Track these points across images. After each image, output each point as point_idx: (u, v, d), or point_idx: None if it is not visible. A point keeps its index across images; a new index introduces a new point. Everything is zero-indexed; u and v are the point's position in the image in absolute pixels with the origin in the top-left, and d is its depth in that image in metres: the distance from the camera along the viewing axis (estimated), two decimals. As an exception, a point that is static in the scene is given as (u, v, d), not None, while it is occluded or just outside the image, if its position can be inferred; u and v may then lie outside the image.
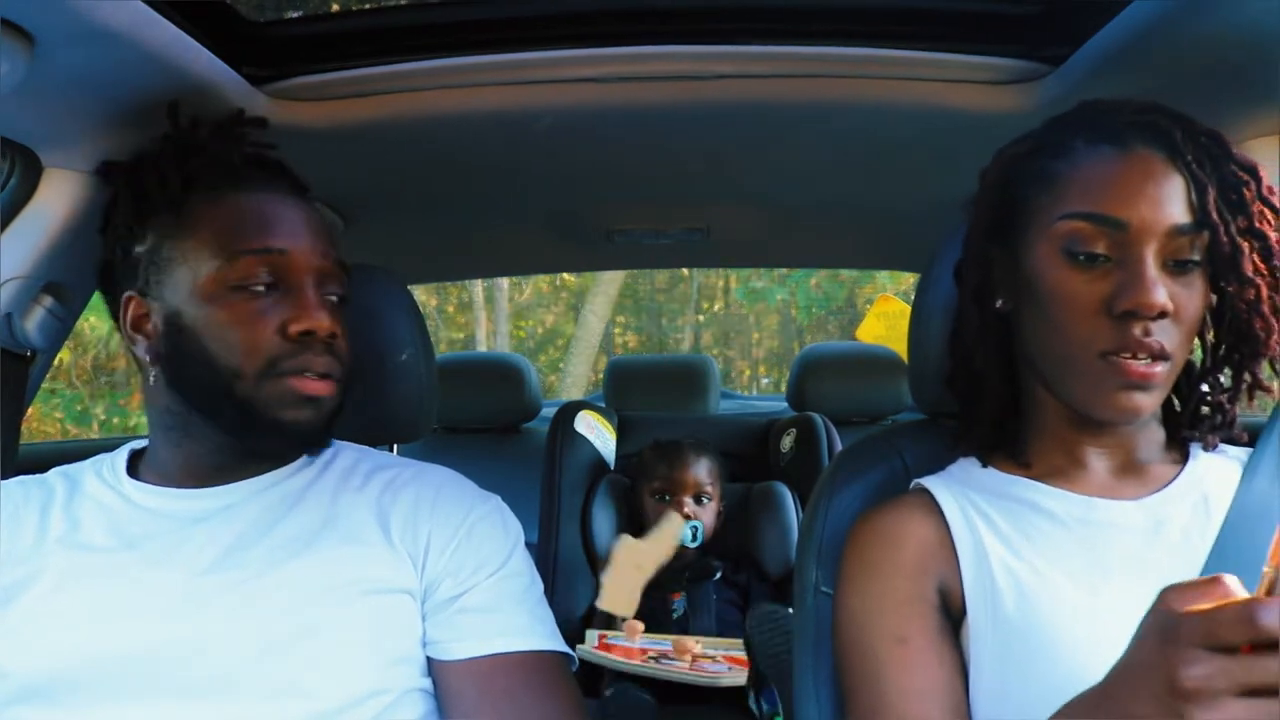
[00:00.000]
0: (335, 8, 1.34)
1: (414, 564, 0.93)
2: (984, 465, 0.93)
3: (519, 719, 0.91)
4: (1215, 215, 0.80)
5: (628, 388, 2.79)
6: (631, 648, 1.76)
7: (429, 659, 0.94)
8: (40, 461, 1.08)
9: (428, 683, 0.94)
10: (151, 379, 0.95)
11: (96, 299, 1.07)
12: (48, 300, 1.14)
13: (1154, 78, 1.00)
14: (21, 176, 1.10)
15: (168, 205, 0.94)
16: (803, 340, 9.25)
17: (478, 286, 8.66)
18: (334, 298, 0.96)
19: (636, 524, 2.05)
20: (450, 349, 8.84)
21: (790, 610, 1.19)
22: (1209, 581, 0.56)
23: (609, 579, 1.85)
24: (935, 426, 1.04)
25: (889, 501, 0.93)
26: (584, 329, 8.52)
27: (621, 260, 3.01)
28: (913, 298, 1.07)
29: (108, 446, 1.03)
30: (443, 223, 1.88)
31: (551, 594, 1.58)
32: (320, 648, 0.87)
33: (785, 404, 2.67)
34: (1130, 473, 0.89)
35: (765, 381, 9.88)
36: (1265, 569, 0.54)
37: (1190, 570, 0.81)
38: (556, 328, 10.02)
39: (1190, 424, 0.91)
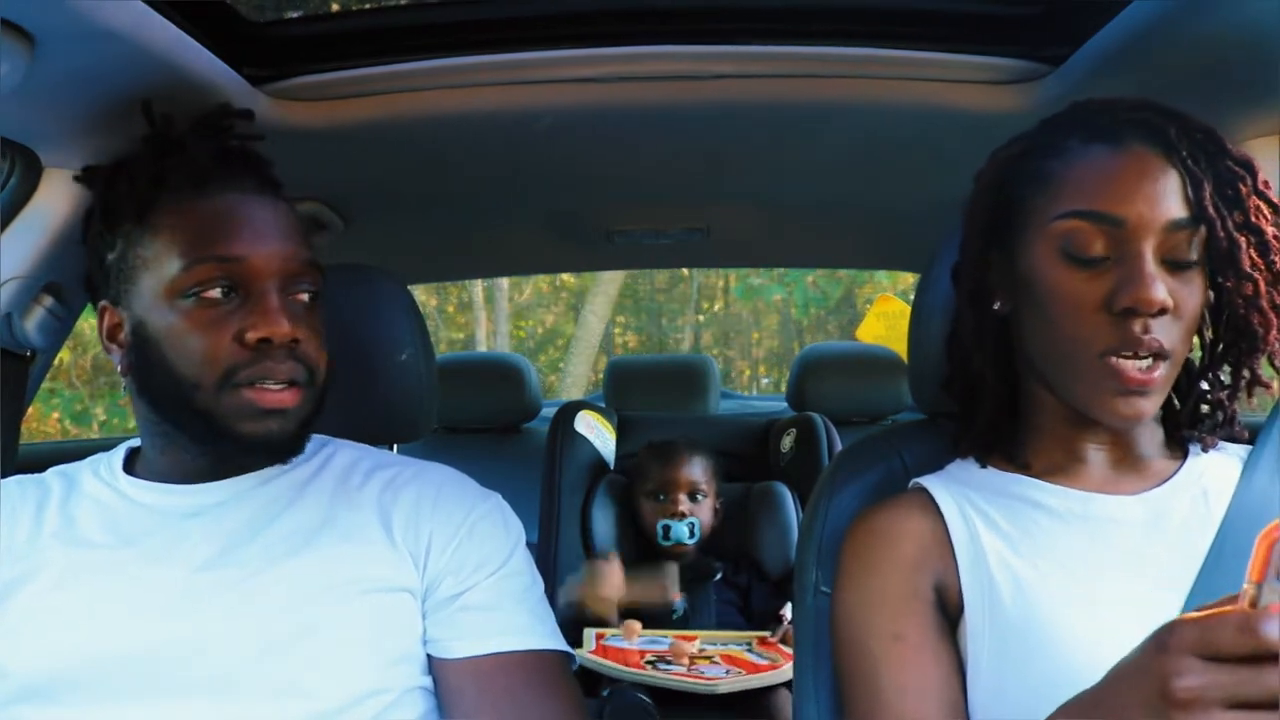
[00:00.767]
0: (335, 8, 1.33)
1: (415, 562, 0.93)
2: (982, 466, 0.93)
3: (519, 718, 0.91)
4: (1212, 210, 0.80)
5: (628, 388, 2.79)
6: (629, 649, 1.76)
7: (429, 657, 0.94)
8: (40, 461, 1.08)
9: (428, 681, 0.94)
10: (124, 388, 0.96)
11: (97, 299, 1.07)
12: (48, 300, 1.14)
13: (1154, 78, 1.00)
14: (21, 176, 1.10)
15: (134, 212, 0.92)
16: (802, 340, 9.24)
17: (478, 286, 8.65)
18: (305, 296, 0.93)
19: (635, 525, 2.05)
20: (450, 349, 8.83)
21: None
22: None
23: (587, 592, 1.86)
24: (935, 426, 1.04)
25: (886, 500, 0.93)
26: (584, 329, 8.51)
27: (621, 260, 3.01)
28: (912, 298, 1.07)
29: (107, 446, 1.03)
30: (442, 223, 1.87)
31: (552, 594, 1.59)
32: (320, 647, 0.87)
33: (785, 404, 2.67)
34: (1130, 468, 0.89)
35: (765, 381, 9.87)
36: (1245, 585, 0.53)
37: (1189, 565, 0.81)
38: (556, 328, 10.01)
39: (1190, 423, 0.91)
